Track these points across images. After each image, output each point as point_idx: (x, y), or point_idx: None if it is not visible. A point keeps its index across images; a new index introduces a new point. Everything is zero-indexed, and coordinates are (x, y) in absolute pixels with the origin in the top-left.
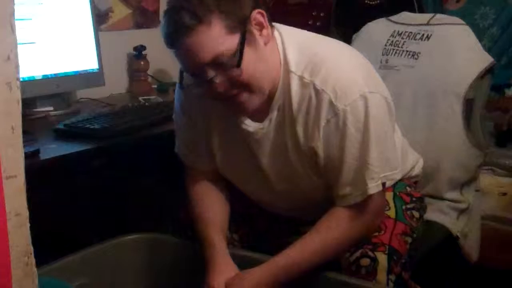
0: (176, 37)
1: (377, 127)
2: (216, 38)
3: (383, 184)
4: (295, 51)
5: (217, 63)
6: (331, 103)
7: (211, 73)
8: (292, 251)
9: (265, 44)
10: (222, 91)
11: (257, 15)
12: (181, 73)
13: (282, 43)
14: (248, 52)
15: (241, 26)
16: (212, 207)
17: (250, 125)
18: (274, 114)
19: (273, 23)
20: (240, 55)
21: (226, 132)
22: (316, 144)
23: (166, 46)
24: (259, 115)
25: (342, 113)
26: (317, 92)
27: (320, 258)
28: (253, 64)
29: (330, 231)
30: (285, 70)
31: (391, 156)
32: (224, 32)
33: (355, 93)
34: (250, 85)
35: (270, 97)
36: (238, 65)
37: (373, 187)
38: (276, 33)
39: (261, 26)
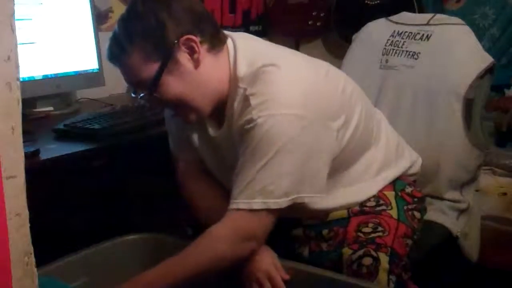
0: (110, 59)
1: (285, 148)
2: (137, 67)
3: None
4: (246, 65)
5: (141, 86)
6: (250, 112)
7: (140, 91)
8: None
9: (196, 67)
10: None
11: (187, 41)
12: None
13: (235, 56)
14: (169, 78)
15: (163, 54)
16: (220, 197)
17: (209, 129)
18: (224, 126)
19: (232, 33)
20: (156, 82)
21: (201, 128)
22: None
23: None
24: (218, 123)
25: (254, 122)
26: (249, 102)
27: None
28: (177, 88)
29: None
30: (234, 84)
31: (307, 179)
32: (143, 62)
33: (274, 109)
34: (178, 105)
35: (224, 110)
36: (153, 90)
37: (258, 203)
38: (230, 45)
39: (192, 51)
